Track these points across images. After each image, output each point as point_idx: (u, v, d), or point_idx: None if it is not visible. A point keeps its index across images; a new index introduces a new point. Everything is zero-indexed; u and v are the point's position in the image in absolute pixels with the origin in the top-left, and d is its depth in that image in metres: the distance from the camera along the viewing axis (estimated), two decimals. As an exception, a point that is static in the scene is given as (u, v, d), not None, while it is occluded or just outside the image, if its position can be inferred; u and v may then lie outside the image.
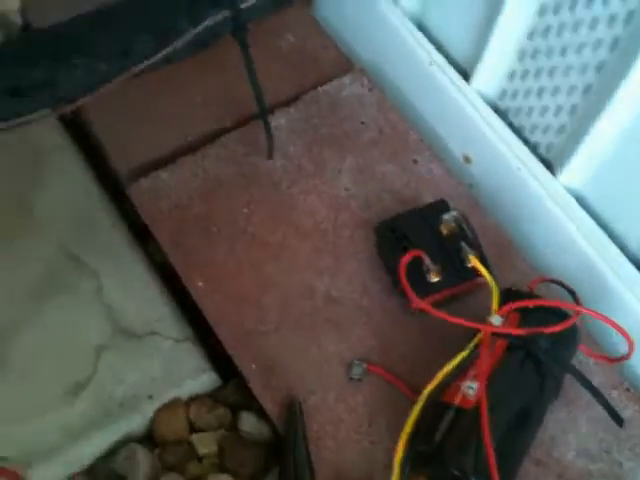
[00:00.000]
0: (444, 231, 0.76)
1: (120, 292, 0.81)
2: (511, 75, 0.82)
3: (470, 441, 0.59)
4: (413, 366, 0.73)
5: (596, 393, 0.68)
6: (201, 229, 0.82)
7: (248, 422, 0.75)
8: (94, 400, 0.74)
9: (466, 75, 0.86)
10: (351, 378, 0.73)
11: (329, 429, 0.71)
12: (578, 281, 0.71)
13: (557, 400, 0.69)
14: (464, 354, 0.66)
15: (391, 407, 0.71)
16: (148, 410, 0.75)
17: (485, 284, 0.71)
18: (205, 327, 0.78)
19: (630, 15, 0.64)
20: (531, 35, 0.77)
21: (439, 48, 0.88)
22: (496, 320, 0.66)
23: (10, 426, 0.71)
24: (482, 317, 0.67)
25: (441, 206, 0.79)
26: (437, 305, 0.70)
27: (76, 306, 0.79)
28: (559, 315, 0.66)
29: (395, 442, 0.62)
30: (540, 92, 0.78)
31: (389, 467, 0.62)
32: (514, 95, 0.82)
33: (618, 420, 0.68)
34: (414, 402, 0.64)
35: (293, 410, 0.71)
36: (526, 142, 0.82)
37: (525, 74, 0.79)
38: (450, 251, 0.74)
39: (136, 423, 0.75)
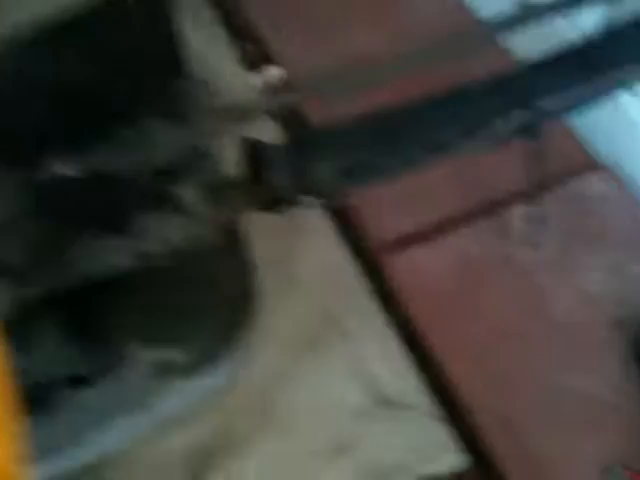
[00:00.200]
0: None
1: (377, 359, 0.84)
2: None
3: None
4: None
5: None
6: (457, 308, 0.85)
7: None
8: (354, 466, 0.77)
9: None
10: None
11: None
12: None
13: None
14: None
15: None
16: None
17: None
18: (453, 403, 0.81)
19: None
20: None
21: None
22: None
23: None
24: None
25: None
26: None
27: (334, 368, 0.83)
28: None
29: None
30: None
31: None
32: None
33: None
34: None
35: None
36: None
37: None
38: None
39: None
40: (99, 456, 0.63)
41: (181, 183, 0.54)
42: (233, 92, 0.90)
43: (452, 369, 0.82)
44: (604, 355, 0.82)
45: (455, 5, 1.14)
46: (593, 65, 0.70)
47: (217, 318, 0.69)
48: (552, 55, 0.71)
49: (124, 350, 0.60)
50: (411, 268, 0.88)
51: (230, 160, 0.60)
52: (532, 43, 0.76)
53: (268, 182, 0.59)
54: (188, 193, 0.55)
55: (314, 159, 0.61)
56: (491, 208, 0.94)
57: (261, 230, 0.82)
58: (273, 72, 1.04)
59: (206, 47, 0.96)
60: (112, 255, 0.52)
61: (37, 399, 0.49)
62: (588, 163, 0.99)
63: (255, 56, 1.06)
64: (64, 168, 0.49)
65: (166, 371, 0.62)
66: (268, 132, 0.87)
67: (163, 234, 0.54)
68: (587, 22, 0.87)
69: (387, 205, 0.94)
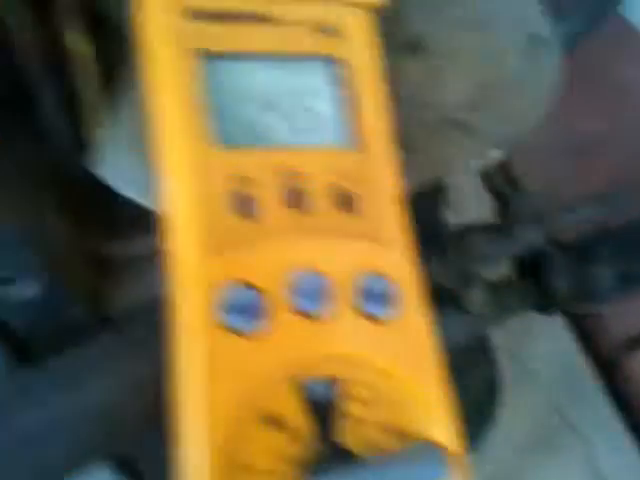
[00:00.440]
0: None
1: (611, 463, 0.81)
2: None
3: None
4: None
5: None
6: None
7: None
8: None
9: None
10: None
11: None
12: None
13: None
14: None
15: None
16: None
17: None
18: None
19: None
20: None
21: None
22: None
23: None
24: None
25: None
26: None
27: (565, 469, 0.81)
28: None
29: None
30: None
31: None
32: None
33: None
34: None
35: None
36: None
37: None
38: None
39: None
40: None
41: (472, 284, 0.55)
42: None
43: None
44: None
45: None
46: None
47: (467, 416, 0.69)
48: None
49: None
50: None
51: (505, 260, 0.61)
52: None
53: (547, 286, 0.60)
54: (476, 294, 0.56)
55: (594, 265, 0.61)
56: None
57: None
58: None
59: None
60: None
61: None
62: None
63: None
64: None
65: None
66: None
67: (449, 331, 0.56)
68: None
69: (624, 303, 0.91)
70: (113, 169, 0.31)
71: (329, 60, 0.30)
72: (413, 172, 0.34)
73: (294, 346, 0.28)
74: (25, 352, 0.35)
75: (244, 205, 0.28)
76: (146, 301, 0.38)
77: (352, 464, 0.27)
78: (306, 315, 0.28)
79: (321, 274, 0.29)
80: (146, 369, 0.35)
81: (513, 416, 0.84)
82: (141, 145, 0.30)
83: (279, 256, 0.29)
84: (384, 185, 0.31)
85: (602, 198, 0.66)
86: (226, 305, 0.27)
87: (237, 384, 0.27)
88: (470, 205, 0.83)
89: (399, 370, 0.29)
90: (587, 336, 0.93)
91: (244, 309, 0.27)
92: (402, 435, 0.29)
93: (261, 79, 0.29)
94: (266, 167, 0.29)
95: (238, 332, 0.27)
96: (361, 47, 0.31)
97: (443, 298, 0.58)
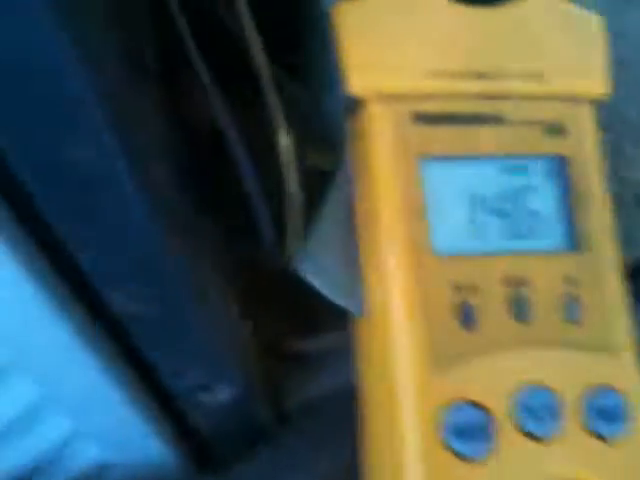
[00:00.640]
0: None
1: None
2: None
3: None
4: None
5: None
6: None
7: None
8: None
9: None
10: None
11: None
12: None
13: None
14: None
15: None
16: None
17: None
18: None
19: None
20: None
21: None
22: None
23: None
24: None
25: None
26: None
27: None
28: None
29: None
30: None
31: None
32: None
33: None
34: None
35: None
36: None
37: None
38: None
39: None
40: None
41: None
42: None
43: None
44: None
45: None
46: None
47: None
48: None
49: None
50: None
51: None
52: None
53: None
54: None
55: None
56: None
57: None
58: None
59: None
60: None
61: None
62: None
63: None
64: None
65: None
66: None
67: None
68: None
69: None
70: (313, 266, 0.30)
71: (554, 158, 0.28)
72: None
73: (516, 471, 0.26)
74: (207, 456, 0.35)
75: (465, 315, 0.27)
76: (324, 396, 0.37)
77: None
78: (532, 436, 0.26)
79: (548, 390, 0.27)
80: (330, 466, 0.34)
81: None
82: (345, 245, 0.29)
83: (504, 371, 0.27)
84: (609, 288, 0.29)
85: None
86: (451, 426, 0.26)
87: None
88: None
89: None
90: None
91: (469, 431, 0.26)
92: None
93: (484, 181, 0.28)
94: (488, 275, 0.27)
95: (461, 455, 0.26)
96: (584, 142, 0.29)
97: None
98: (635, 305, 0.30)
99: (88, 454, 0.32)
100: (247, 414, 0.34)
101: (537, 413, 0.26)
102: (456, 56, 0.28)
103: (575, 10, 0.30)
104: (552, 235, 0.28)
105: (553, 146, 0.28)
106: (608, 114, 0.30)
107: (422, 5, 0.28)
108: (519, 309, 0.27)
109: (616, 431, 0.27)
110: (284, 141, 0.27)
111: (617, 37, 0.30)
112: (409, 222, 0.27)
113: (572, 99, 0.29)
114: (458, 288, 0.27)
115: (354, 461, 0.29)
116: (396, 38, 0.27)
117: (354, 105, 0.28)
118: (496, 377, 0.26)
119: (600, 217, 0.29)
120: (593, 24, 0.30)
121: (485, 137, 0.27)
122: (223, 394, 0.31)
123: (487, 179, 0.28)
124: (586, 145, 0.29)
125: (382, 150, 0.27)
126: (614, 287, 0.29)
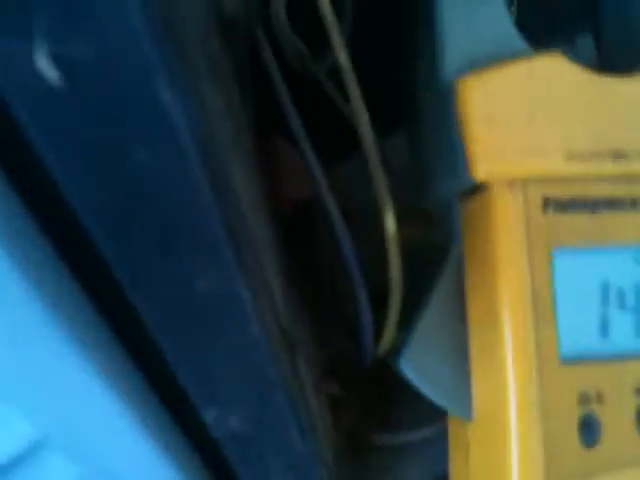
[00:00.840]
0: None
1: None
2: None
3: None
4: None
5: None
6: None
7: None
8: None
9: None
10: None
11: None
12: None
13: None
14: None
15: None
16: None
17: None
18: None
19: None
20: None
21: None
22: None
23: None
24: None
25: None
26: None
27: None
28: None
29: None
30: None
31: None
32: None
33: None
34: None
35: None
36: None
37: None
38: None
39: None
40: None
41: None
42: None
43: None
44: None
45: None
46: None
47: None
48: None
49: None
50: None
51: None
52: None
53: None
54: None
55: None
56: None
57: None
58: None
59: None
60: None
61: None
62: None
63: None
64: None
65: None
66: None
67: None
68: None
69: None
70: (414, 363, 0.27)
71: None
72: None
73: None
74: None
75: (589, 430, 0.24)
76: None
77: None
78: None
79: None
80: None
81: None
82: (452, 340, 0.26)
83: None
84: None
85: None
86: None
87: None
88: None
89: None
90: None
91: None
92: None
93: (619, 275, 0.24)
94: (619, 382, 0.24)
95: None
96: None
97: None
98: None
99: None
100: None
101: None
102: (592, 133, 0.24)
103: None
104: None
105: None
106: None
107: (555, 77, 0.24)
108: (647, 422, 0.24)
109: None
110: (390, 224, 0.24)
111: None
112: (536, 324, 0.24)
113: None
114: (584, 399, 0.24)
115: None
116: (528, 116, 0.23)
117: (474, 186, 0.24)
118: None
119: None
120: None
121: (624, 223, 0.24)
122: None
123: (623, 271, 0.24)
124: None
125: (508, 239, 0.24)
126: None
